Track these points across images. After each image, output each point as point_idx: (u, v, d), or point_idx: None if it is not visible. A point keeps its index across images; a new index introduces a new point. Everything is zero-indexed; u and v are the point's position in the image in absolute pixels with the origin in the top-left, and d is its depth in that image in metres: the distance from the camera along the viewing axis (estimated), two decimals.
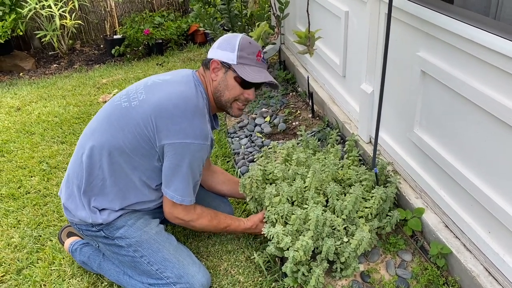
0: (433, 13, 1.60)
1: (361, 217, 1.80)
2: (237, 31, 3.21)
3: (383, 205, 1.85)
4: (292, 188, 1.78)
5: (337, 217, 1.73)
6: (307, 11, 1.72)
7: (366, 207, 1.81)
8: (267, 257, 1.83)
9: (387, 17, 1.65)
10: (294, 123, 2.93)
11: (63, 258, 1.98)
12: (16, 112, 3.57)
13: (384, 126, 2.16)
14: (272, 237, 1.65)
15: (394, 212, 1.81)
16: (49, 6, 4.40)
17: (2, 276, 1.93)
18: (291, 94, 3.34)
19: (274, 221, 1.75)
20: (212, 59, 1.67)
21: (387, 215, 1.87)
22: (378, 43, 2.07)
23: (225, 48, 1.66)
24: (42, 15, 4.43)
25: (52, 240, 2.10)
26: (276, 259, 1.85)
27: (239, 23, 3.22)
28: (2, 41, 4.26)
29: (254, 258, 1.83)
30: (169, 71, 4.18)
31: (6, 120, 3.41)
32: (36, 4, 4.30)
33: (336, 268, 1.69)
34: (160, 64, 4.49)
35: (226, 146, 2.77)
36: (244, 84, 1.67)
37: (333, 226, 1.68)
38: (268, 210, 1.79)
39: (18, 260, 2.00)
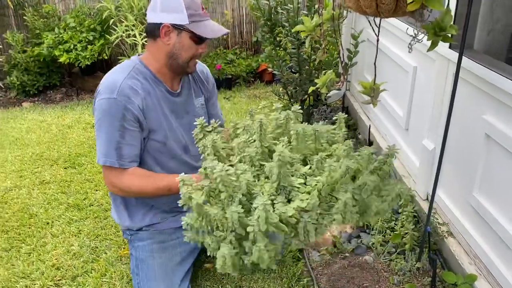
0: (500, 77, 1.59)
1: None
2: (304, 75, 3.31)
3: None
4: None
5: None
6: (375, 63, 1.77)
7: None
8: None
9: (454, 77, 1.66)
10: None
11: (114, 271, 2.09)
12: (91, 128, 3.86)
13: (442, 185, 2.12)
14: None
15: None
16: (134, 36, 4.78)
17: (58, 280, 2.06)
18: (350, 140, 3.34)
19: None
20: (160, 23, 1.62)
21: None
22: (443, 100, 2.07)
23: (171, 10, 1.61)
24: (127, 42, 4.80)
25: (107, 253, 2.23)
26: None
27: (306, 67, 3.31)
28: (88, 63, 4.66)
29: None
30: (235, 105, 4.37)
31: (82, 135, 3.69)
32: (123, 32, 4.68)
33: None
34: (227, 98, 4.68)
35: None
36: (200, 41, 1.67)
37: None
38: None
39: (74, 267, 2.13)
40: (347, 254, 2.17)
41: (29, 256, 2.23)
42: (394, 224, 2.25)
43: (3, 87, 5.26)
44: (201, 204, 1.25)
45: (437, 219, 2.09)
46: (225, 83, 5.08)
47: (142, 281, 1.77)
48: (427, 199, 2.28)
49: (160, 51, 1.68)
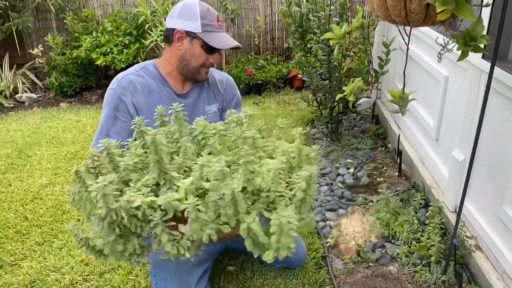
0: None
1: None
2: (334, 82, 3.30)
3: None
4: None
5: None
6: (404, 72, 1.76)
7: None
8: None
9: (486, 87, 1.63)
10: (378, 179, 2.90)
11: (140, 270, 2.14)
12: None
13: (471, 198, 2.07)
14: None
15: None
16: None
17: (87, 276, 2.14)
18: (379, 149, 3.31)
19: None
20: (175, 29, 1.70)
21: None
22: (475, 111, 2.03)
23: (186, 18, 1.69)
24: (161, 47, 4.91)
25: None
26: None
27: (336, 74, 3.31)
28: (124, 66, 4.79)
29: None
30: (264, 110, 4.40)
31: None
32: (158, 37, 4.80)
33: None
34: (256, 103, 4.72)
35: None
36: (210, 50, 1.72)
37: None
38: None
39: (102, 264, 2.20)
40: (370, 264, 2.15)
41: (60, 250, 2.32)
42: (420, 235, 2.22)
43: (42, 87, 5.47)
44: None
45: (465, 232, 2.04)
46: (255, 88, 5.12)
47: (159, 281, 1.81)
48: (455, 211, 2.24)
49: (173, 55, 1.76)
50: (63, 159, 3.37)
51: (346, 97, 1.95)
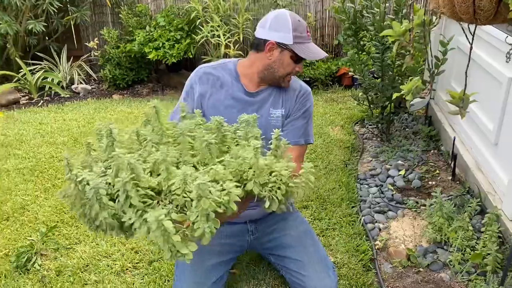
0: None
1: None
2: (386, 80, 3.22)
3: None
4: None
5: None
6: (466, 72, 1.69)
7: None
8: None
9: None
10: (430, 182, 2.80)
11: None
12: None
13: None
14: None
15: None
16: (218, 36, 4.94)
17: (136, 263, 2.20)
18: (432, 152, 3.20)
19: None
20: (267, 40, 1.75)
21: None
22: None
23: (278, 29, 1.74)
24: (211, 42, 4.98)
25: None
26: None
27: (390, 72, 3.22)
28: (175, 61, 4.89)
29: None
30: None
31: None
32: (208, 32, 4.86)
33: None
34: None
35: (353, 191, 2.76)
36: (298, 60, 1.78)
37: None
38: None
39: (151, 253, 2.26)
40: (421, 269, 2.09)
41: (111, 237, 2.40)
42: (475, 242, 2.12)
43: (96, 79, 5.69)
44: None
45: None
46: None
47: (178, 279, 1.82)
48: None
49: (259, 61, 1.81)
50: None
51: (403, 97, 1.89)
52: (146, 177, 1.24)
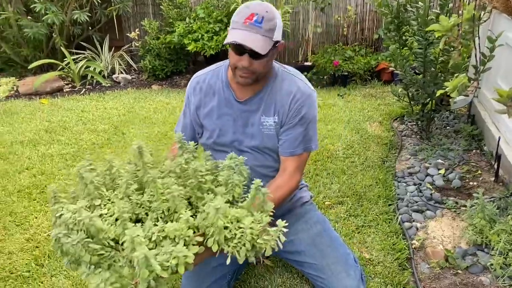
0: None
1: None
2: (428, 77, 3.14)
3: None
4: None
5: None
6: None
7: None
8: None
9: None
10: (471, 183, 2.72)
11: None
12: None
13: None
14: None
15: None
16: None
17: None
18: (474, 151, 3.10)
19: None
20: None
21: None
22: None
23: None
24: None
25: None
26: None
27: (432, 69, 3.13)
28: (213, 53, 4.93)
29: None
30: (348, 103, 4.31)
31: None
32: None
33: None
34: (341, 96, 4.62)
35: (391, 188, 2.72)
36: (235, 50, 1.52)
37: None
38: None
39: None
40: (459, 271, 2.03)
41: None
42: None
43: (136, 69, 5.81)
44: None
45: None
46: (341, 80, 5.03)
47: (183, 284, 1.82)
48: None
49: None
50: (154, 138, 3.56)
51: (448, 94, 1.84)
52: (106, 228, 1.27)
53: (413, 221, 2.39)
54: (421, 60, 3.10)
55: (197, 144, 1.60)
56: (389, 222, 2.39)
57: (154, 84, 5.36)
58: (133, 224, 1.27)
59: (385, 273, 2.02)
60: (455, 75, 1.82)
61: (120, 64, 5.57)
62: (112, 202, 1.37)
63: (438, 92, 1.93)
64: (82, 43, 5.68)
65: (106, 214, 1.34)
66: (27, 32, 4.96)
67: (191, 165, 1.40)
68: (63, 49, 5.23)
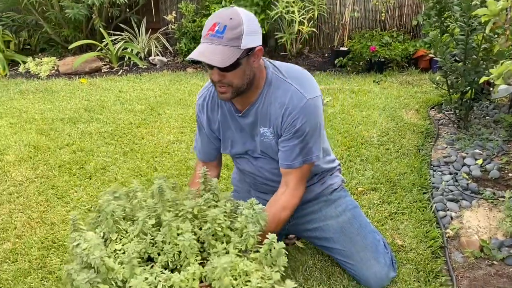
0: None
1: None
2: (469, 65, 3.05)
3: None
4: None
5: None
6: None
7: None
8: None
9: None
10: (510, 174, 2.65)
11: None
12: None
13: None
14: None
15: None
16: (293, 12, 4.90)
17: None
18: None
19: None
20: None
21: None
22: None
23: None
24: (285, 19, 4.96)
25: None
26: None
27: (473, 56, 3.04)
28: None
29: None
30: (384, 90, 4.24)
31: None
32: (283, 9, 4.84)
33: None
34: (377, 82, 4.55)
35: (426, 177, 2.68)
36: (207, 65, 1.46)
37: None
38: None
39: None
40: (495, 262, 2.00)
41: None
42: None
43: (172, 52, 5.88)
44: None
45: None
46: (377, 66, 4.95)
47: None
48: None
49: None
50: (189, 120, 3.62)
51: (492, 81, 1.79)
52: (116, 268, 1.31)
53: (448, 210, 2.36)
54: (463, 47, 3.01)
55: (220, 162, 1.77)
56: (423, 210, 2.37)
57: (189, 67, 5.42)
58: (144, 264, 1.35)
59: (418, 260, 2.01)
60: (501, 62, 1.77)
61: (156, 47, 5.65)
62: (128, 236, 1.43)
63: (482, 79, 1.88)
64: (120, 24, 5.78)
65: (119, 250, 1.40)
66: (68, 13, 5.09)
67: (210, 213, 1.40)
68: (102, 30, 5.35)
